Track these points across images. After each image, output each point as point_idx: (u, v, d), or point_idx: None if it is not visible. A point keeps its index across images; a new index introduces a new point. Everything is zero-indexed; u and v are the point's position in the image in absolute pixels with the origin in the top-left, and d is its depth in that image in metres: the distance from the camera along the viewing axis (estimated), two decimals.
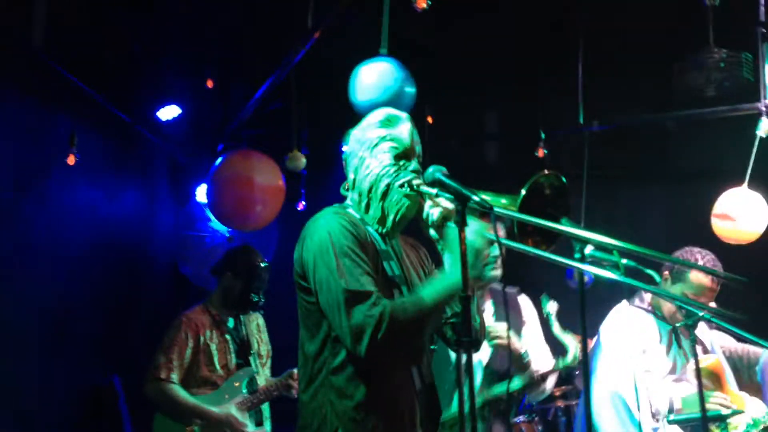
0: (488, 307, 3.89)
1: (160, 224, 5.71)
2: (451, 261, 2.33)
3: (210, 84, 5.53)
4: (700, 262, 3.66)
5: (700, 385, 2.82)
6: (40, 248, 4.51)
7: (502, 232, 2.45)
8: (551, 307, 4.16)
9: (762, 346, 2.74)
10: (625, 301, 3.80)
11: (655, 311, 3.73)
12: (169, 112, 5.22)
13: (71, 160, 4.50)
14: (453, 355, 3.80)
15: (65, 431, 4.67)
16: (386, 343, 2.23)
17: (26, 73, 4.39)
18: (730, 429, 3.50)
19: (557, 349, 4.09)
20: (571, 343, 3.97)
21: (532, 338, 3.96)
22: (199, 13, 5.18)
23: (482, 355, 3.78)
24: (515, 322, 3.91)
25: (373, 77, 4.03)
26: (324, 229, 2.39)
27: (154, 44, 5.19)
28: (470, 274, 2.15)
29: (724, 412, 3.51)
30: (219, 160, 5.18)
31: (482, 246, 2.26)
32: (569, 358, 3.93)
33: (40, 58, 4.34)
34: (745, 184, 5.25)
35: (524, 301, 4.04)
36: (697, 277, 3.66)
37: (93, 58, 4.74)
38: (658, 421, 3.54)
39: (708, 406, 3.48)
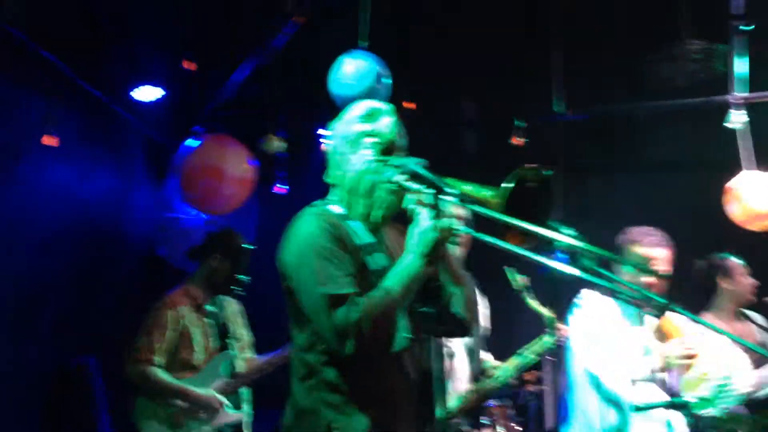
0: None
1: (136, 205, 5.68)
2: (407, 246, 2.29)
3: (188, 65, 5.50)
4: (644, 242, 3.72)
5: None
6: (14, 229, 4.47)
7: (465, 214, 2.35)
8: (522, 280, 4.00)
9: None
10: (585, 289, 3.87)
11: (615, 296, 3.81)
12: (148, 93, 5.19)
13: (49, 141, 4.45)
14: None
15: (35, 411, 4.65)
16: (369, 340, 2.22)
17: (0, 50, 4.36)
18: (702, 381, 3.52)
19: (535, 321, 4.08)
20: (550, 315, 3.87)
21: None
22: None
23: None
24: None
25: (352, 71, 4.31)
26: (303, 232, 2.37)
27: (131, 23, 5.16)
28: (422, 262, 2.21)
29: (685, 356, 3.59)
30: (190, 142, 5.21)
31: (437, 236, 2.22)
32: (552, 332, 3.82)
33: (14, 35, 4.30)
34: (754, 167, 5.26)
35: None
36: (643, 253, 3.72)
37: (68, 36, 4.69)
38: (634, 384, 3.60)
39: (668, 354, 3.55)
